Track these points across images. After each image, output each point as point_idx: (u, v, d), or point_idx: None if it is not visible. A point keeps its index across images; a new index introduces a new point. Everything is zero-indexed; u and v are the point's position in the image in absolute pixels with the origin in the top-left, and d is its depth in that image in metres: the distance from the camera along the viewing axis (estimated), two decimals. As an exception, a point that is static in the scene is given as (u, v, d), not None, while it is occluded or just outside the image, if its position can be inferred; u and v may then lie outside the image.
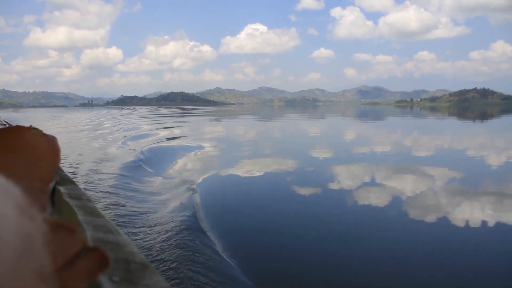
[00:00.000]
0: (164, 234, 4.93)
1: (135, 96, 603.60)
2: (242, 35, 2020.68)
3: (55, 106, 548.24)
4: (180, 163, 11.51)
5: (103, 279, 0.45)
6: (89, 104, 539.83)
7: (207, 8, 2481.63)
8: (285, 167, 10.57)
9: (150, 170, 9.77)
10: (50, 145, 0.74)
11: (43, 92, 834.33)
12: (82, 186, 7.91)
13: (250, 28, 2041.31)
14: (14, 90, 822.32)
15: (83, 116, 52.68)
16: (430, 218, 5.83)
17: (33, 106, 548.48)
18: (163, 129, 24.69)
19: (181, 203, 6.46)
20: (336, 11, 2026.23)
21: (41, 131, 0.75)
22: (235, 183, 8.84)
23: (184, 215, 5.62)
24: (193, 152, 13.51)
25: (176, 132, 23.27)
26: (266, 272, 4.25)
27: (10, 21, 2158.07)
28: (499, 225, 5.48)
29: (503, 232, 5.25)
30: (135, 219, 5.63)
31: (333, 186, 8.30)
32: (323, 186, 8.12)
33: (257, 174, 9.77)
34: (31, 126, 0.75)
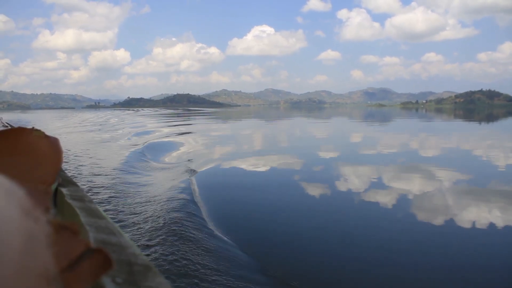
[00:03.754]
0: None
1: (142, 98, 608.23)
2: (249, 37, 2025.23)
3: (62, 107, 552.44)
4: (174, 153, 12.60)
5: (106, 281, 0.45)
6: (96, 106, 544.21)
7: (214, 10, 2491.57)
8: (272, 161, 11.58)
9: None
10: (52, 146, 0.74)
11: (50, 94, 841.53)
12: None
13: (257, 30, 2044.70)
14: (22, 92, 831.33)
15: (88, 115, 53.98)
16: (433, 217, 5.79)
17: (41, 108, 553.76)
18: (160, 128, 25.81)
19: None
20: (342, 13, 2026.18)
21: (43, 133, 0.75)
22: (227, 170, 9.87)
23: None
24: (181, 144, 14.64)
25: (168, 130, 24.42)
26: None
27: (19, 24, 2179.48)
28: (504, 227, 5.42)
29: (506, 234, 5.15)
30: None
31: (316, 173, 9.45)
32: (313, 179, 8.88)
33: (246, 162, 10.92)
34: (33, 127, 0.75)
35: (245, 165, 10.61)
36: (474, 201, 6.69)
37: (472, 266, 4.20)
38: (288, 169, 10.21)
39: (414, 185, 8.00)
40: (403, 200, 6.82)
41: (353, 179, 8.59)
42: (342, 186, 7.93)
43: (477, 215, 5.86)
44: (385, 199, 6.90)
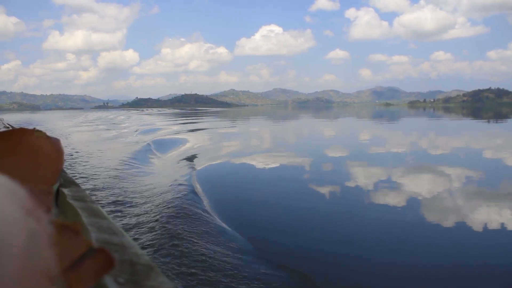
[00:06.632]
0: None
1: (150, 98, 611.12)
2: (257, 36, 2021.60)
3: (71, 108, 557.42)
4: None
5: (108, 280, 0.45)
6: (104, 106, 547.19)
7: (223, 10, 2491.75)
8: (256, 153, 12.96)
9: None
10: (54, 147, 0.74)
11: (60, 94, 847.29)
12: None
13: (265, 29, 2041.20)
14: (32, 93, 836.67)
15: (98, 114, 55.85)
16: (441, 217, 5.81)
17: (50, 109, 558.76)
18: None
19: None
20: (350, 12, 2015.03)
21: (44, 134, 0.75)
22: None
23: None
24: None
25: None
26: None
27: (30, 26, 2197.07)
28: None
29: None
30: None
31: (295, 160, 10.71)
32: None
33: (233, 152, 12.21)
34: (34, 128, 0.75)
35: (247, 161, 11.35)
36: (482, 201, 6.71)
37: (477, 266, 4.15)
38: (291, 165, 10.75)
39: (420, 183, 8.16)
40: (408, 199, 6.85)
41: (354, 175, 9.03)
42: (343, 181, 8.25)
43: (486, 216, 5.86)
44: (387, 197, 7.04)
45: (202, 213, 5.64)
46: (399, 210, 6.17)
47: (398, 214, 5.96)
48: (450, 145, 15.27)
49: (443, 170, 9.67)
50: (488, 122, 33.70)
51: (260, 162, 11.07)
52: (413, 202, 6.65)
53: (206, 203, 6.28)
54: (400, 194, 7.22)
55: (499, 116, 47.77)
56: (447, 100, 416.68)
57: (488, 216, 5.81)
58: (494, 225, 5.43)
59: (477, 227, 5.36)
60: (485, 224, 5.42)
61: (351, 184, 8.12)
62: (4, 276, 0.29)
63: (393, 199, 6.85)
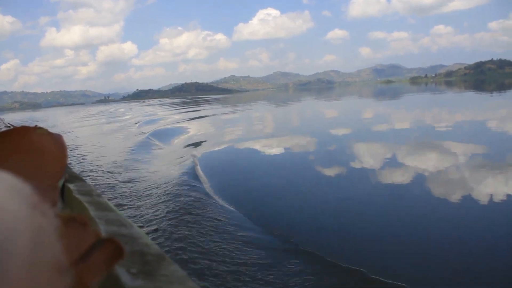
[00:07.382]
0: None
1: (150, 89, 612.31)
2: (255, 21, 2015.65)
3: (72, 104, 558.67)
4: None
5: (121, 271, 0.46)
6: (105, 100, 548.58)
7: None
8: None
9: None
10: (56, 143, 0.75)
11: (60, 91, 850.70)
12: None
13: (262, 13, 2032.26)
14: (33, 91, 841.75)
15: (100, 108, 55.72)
16: (446, 193, 5.61)
17: (52, 106, 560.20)
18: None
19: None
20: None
21: (46, 130, 0.76)
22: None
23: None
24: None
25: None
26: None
27: (26, 24, 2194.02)
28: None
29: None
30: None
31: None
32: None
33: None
34: (36, 126, 0.76)
35: (246, 144, 11.36)
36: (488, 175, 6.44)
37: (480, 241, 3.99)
38: (308, 147, 10.49)
39: (414, 157, 8.12)
40: (403, 176, 6.74)
41: (363, 154, 8.90)
42: (350, 160, 8.22)
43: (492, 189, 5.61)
44: (378, 171, 7.08)
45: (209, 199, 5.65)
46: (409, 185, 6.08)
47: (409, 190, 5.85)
48: (454, 119, 15.12)
49: (459, 145, 9.17)
50: (492, 94, 33.38)
51: (278, 145, 10.85)
52: (424, 179, 6.49)
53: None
54: (405, 171, 7.03)
55: (502, 87, 47.20)
56: (449, 74, 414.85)
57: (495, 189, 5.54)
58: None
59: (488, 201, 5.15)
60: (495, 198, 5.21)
61: (359, 162, 7.99)
62: (14, 270, 0.29)
63: (400, 176, 6.71)
